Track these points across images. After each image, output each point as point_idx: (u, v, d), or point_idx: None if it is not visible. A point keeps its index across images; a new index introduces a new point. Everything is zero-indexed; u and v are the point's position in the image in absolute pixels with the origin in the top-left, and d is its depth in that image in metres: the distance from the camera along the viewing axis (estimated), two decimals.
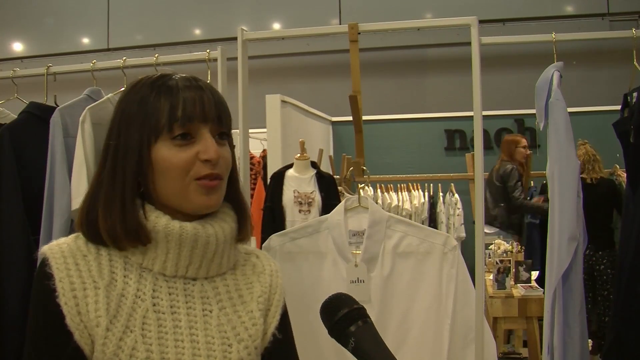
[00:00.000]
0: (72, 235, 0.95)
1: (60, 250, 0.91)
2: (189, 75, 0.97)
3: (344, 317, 0.86)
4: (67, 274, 0.88)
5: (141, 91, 0.95)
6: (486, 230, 4.22)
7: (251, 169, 4.02)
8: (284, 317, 1.04)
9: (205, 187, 0.92)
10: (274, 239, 1.67)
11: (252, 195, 3.71)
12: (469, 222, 4.64)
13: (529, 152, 4.53)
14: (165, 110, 0.91)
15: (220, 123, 0.95)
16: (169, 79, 0.95)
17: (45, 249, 0.92)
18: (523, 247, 4.11)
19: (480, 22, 1.75)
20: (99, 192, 0.93)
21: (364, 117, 1.87)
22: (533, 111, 1.87)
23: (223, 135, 0.96)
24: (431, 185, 4.91)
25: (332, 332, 0.88)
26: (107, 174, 0.93)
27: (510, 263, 3.60)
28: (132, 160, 0.92)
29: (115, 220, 0.90)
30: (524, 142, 4.55)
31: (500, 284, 3.53)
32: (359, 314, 0.87)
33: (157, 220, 0.92)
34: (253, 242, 2.82)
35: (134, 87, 0.97)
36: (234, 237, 1.00)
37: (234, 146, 1.01)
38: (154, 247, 0.92)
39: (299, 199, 2.96)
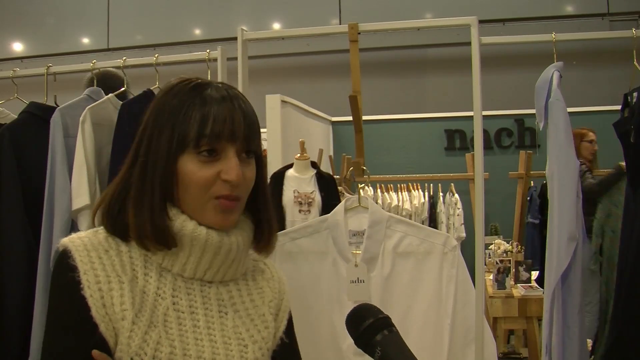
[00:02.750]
0: (91, 230, 0.96)
1: (83, 243, 0.91)
2: (226, 87, 0.96)
3: (369, 326, 0.87)
4: (92, 266, 0.89)
5: (177, 97, 0.94)
6: None
7: None
8: (290, 322, 1.07)
9: (223, 207, 0.93)
10: None
11: None
12: (469, 222, 4.64)
13: (596, 147, 3.90)
14: (194, 124, 0.91)
15: (248, 142, 0.94)
16: (205, 88, 0.94)
17: (66, 241, 0.92)
18: (523, 247, 4.11)
19: (480, 22, 1.75)
20: (127, 192, 0.94)
21: (364, 117, 1.88)
22: (533, 111, 1.87)
23: (250, 153, 0.96)
24: (431, 185, 4.91)
25: (358, 342, 0.89)
26: (136, 178, 0.93)
27: (510, 263, 3.60)
28: (160, 169, 0.92)
29: (145, 221, 0.91)
30: (591, 135, 3.90)
31: (500, 284, 3.53)
32: (385, 323, 0.88)
33: (185, 225, 0.92)
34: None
35: (171, 90, 0.96)
36: (250, 245, 1.02)
37: (265, 164, 1.01)
38: (176, 249, 0.93)
39: (299, 199, 2.96)
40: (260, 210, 1.03)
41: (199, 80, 0.97)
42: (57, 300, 0.90)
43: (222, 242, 0.94)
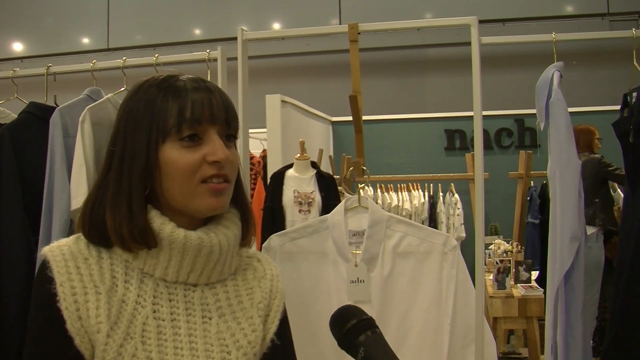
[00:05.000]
0: (73, 237, 0.94)
1: (62, 252, 0.90)
2: (196, 77, 0.96)
3: (352, 327, 0.87)
4: (68, 277, 0.88)
5: (148, 93, 0.94)
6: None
7: (251, 169, 4.02)
8: (283, 322, 1.03)
9: (212, 190, 0.92)
10: (274, 239, 1.67)
11: (252, 195, 3.71)
12: (469, 222, 4.64)
13: (600, 145, 4.06)
14: (173, 112, 0.90)
15: (228, 125, 0.94)
16: (176, 80, 0.94)
17: (45, 251, 0.90)
18: (523, 247, 4.11)
19: (480, 22, 1.75)
20: (104, 194, 0.92)
21: (364, 117, 1.87)
22: (533, 111, 1.87)
23: (230, 137, 0.96)
24: (431, 185, 4.91)
25: (341, 343, 0.89)
26: (113, 176, 0.92)
27: (510, 263, 3.60)
28: (139, 163, 0.91)
29: (122, 220, 0.90)
30: (597, 133, 4.07)
31: (500, 284, 3.53)
32: (368, 324, 0.88)
33: (162, 227, 0.91)
34: (253, 244, 2.82)
35: (140, 89, 0.95)
36: (237, 244, 1.00)
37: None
38: (156, 252, 0.92)
39: (299, 199, 2.96)
40: (241, 199, 1.02)
41: (166, 75, 0.96)
42: (35, 312, 0.89)
43: (202, 244, 0.92)
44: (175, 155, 0.90)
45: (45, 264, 0.89)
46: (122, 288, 0.90)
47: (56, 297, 0.86)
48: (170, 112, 0.91)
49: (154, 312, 0.90)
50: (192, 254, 0.92)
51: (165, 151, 0.91)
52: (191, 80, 0.94)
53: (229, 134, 0.95)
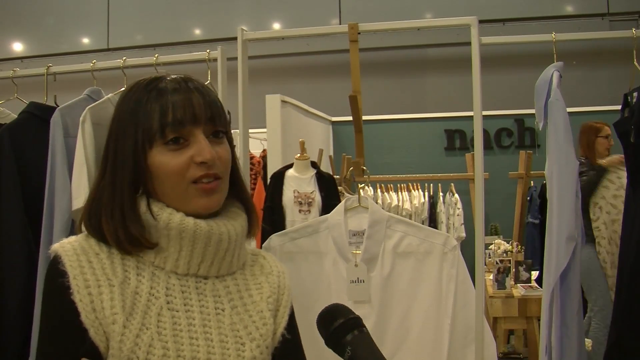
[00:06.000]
0: (83, 234, 0.96)
1: (73, 248, 0.91)
2: (180, 77, 0.97)
3: (340, 326, 0.87)
4: (81, 271, 0.89)
5: (134, 96, 0.95)
6: None
7: (251, 169, 4.02)
8: (292, 317, 1.05)
9: (204, 190, 0.93)
10: (274, 239, 1.67)
11: (252, 196, 3.71)
12: (469, 222, 4.64)
13: (612, 142, 3.53)
14: (156, 116, 0.92)
15: (214, 122, 0.95)
16: (160, 82, 0.95)
17: (57, 247, 0.92)
18: (523, 247, 4.11)
19: (480, 22, 1.75)
20: (100, 198, 0.94)
21: (364, 117, 1.87)
22: (533, 111, 1.87)
23: (218, 133, 0.96)
24: (431, 185, 4.91)
25: (328, 342, 0.89)
26: (107, 182, 0.94)
27: (510, 263, 3.60)
28: (128, 168, 0.93)
29: (117, 226, 0.91)
30: (607, 130, 3.56)
31: (500, 284, 3.53)
32: (355, 323, 0.88)
33: (171, 217, 0.92)
34: (253, 242, 2.82)
35: (129, 92, 0.97)
36: (244, 235, 1.01)
37: (234, 145, 1.01)
38: (165, 245, 0.93)
39: (299, 199, 2.96)
40: (242, 192, 1.03)
41: (154, 76, 0.98)
42: (48, 305, 0.90)
43: (211, 231, 0.93)
44: (162, 159, 0.92)
45: (57, 259, 0.90)
46: (134, 280, 0.91)
47: (69, 290, 0.87)
48: (153, 117, 0.92)
49: (168, 303, 0.92)
50: (202, 243, 0.93)
51: (154, 156, 0.92)
52: (173, 81, 0.95)
53: (217, 131, 0.96)
